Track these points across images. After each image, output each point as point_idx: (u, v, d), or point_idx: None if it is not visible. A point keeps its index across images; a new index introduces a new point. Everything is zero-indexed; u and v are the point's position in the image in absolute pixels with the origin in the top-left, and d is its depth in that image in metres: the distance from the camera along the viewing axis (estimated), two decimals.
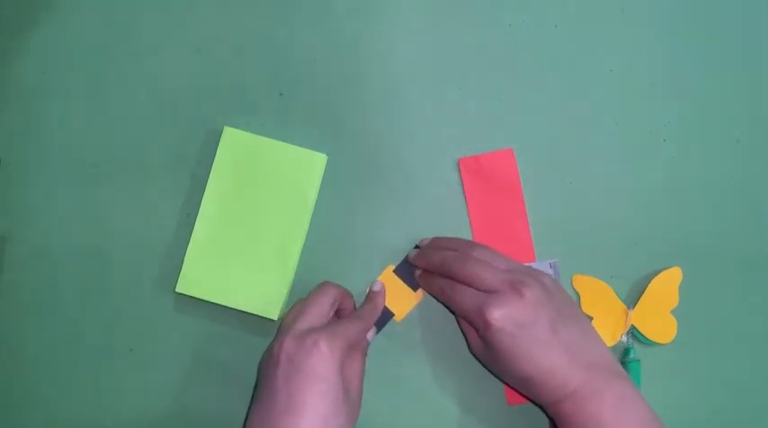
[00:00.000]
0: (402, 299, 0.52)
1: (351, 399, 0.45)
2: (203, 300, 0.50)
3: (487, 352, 0.46)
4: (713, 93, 0.53)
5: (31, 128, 0.53)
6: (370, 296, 0.51)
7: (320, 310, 0.47)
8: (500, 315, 0.44)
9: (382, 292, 0.51)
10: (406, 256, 0.51)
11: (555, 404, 0.44)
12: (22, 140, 0.53)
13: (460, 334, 0.50)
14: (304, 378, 0.43)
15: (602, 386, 0.43)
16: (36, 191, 0.53)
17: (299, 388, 0.43)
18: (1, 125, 0.53)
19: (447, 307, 0.51)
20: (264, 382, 0.45)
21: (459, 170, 0.52)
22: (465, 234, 0.52)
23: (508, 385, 0.49)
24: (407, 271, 0.51)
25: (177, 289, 0.50)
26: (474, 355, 0.49)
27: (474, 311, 0.45)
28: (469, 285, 0.46)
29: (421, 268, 0.50)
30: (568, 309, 0.46)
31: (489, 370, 0.49)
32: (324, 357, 0.43)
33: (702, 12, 0.53)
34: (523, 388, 0.46)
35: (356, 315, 0.49)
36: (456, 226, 0.52)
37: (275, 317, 0.50)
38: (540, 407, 0.47)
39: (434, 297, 0.50)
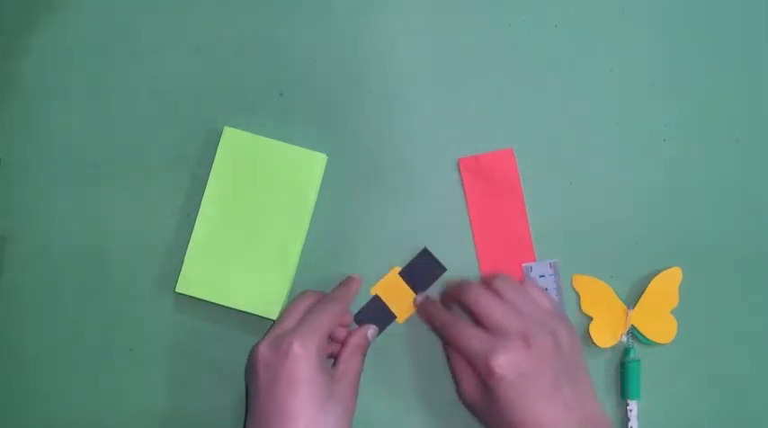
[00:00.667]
0: (405, 302, 0.51)
1: (340, 396, 0.45)
2: (203, 300, 0.50)
3: (485, 398, 0.45)
4: (713, 93, 0.53)
5: (31, 128, 0.53)
6: (345, 281, 0.51)
7: (296, 316, 0.47)
8: (504, 362, 0.43)
9: (357, 279, 0.51)
10: (412, 260, 0.51)
11: None
12: (22, 140, 0.53)
13: None
14: (285, 384, 0.43)
15: None
16: (36, 191, 0.53)
17: (282, 396, 0.43)
18: (1, 125, 0.53)
19: (444, 347, 0.50)
20: (250, 391, 0.45)
21: (460, 170, 0.52)
22: (465, 233, 0.52)
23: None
24: (413, 275, 0.51)
25: (177, 290, 0.50)
26: (464, 401, 0.47)
27: (479, 354, 0.44)
28: (477, 317, 0.45)
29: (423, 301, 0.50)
30: (575, 367, 0.45)
31: (479, 418, 0.47)
32: (299, 359, 0.43)
33: (702, 12, 0.53)
34: None
35: (327, 298, 0.48)
36: (456, 226, 0.52)
37: (275, 317, 0.50)
38: None
39: (433, 330, 0.50)
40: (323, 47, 0.53)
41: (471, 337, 0.45)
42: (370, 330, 0.50)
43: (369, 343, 0.49)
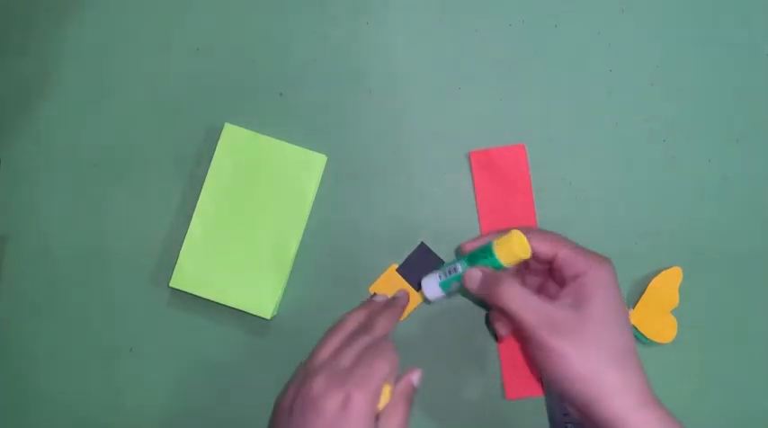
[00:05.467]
0: None
1: None
2: (202, 299, 0.50)
3: (575, 316, 0.42)
4: (713, 92, 0.53)
5: (31, 128, 0.53)
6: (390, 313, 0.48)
7: (352, 355, 0.43)
8: (608, 268, 0.43)
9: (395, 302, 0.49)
10: (409, 255, 0.51)
11: (635, 408, 0.40)
12: (22, 140, 0.53)
13: (460, 332, 0.50)
14: None
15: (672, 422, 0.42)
16: (36, 191, 0.53)
17: None
18: (1, 125, 0.53)
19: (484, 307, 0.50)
20: (289, 422, 0.41)
21: (470, 163, 0.52)
22: (468, 231, 0.52)
23: (565, 389, 0.43)
24: (410, 271, 0.51)
25: (171, 284, 0.50)
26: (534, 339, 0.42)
27: (580, 258, 0.43)
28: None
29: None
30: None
31: (544, 368, 0.43)
32: (360, 416, 0.40)
33: (702, 12, 0.53)
34: (603, 374, 0.41)
35: (385, 344, 0.44)
36: (458, 224, 0.52)
37: (268, 316, 0.50)
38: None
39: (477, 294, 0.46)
40: (323, 47, 0.53)
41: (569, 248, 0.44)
42: (415, 375, 0.44)
43: (415, 390, 0.44)
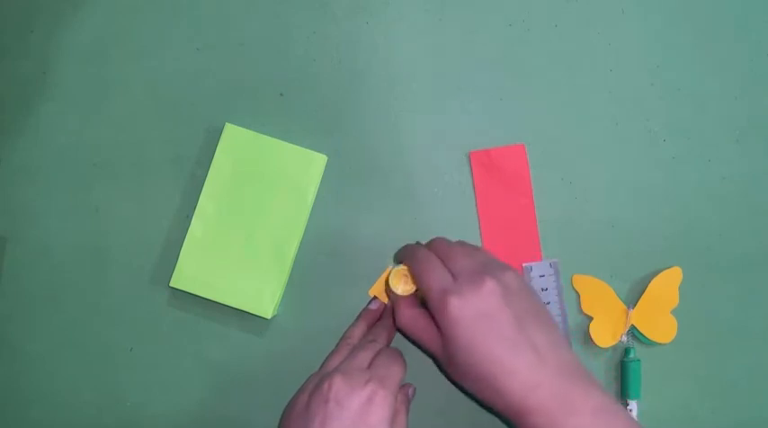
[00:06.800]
0: None
1: None
2: (201, 298, 0.50)
3: (446, 351, 0.42)
4: (713, 93, 0.53)
5: (30, 128, 0.53)
6: (385, 323, 0.50)
7: (368, 355, 0.45)
8: (459, 302, 0.41)
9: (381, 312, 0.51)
10: None
11: (521, 414, 0.40)
12: (22, 140, 0.53)
13: None
14: None
15: (579, 397, 0.40)
16: (36, 191, 0.53)
17: None
18: (1, 125, 0.53)
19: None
20: (304, 418, 0.42)
21: (470, 163, 0.52)
22: (468, 232, 0.52)
23: (470, 395, 0.45)
24: None
25: (171, 284, 0.50)
26: (440, 365, 0.46)
27: (436, 289, 0.42)
28: (439, 256, 0.45)
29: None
30: (537, 311, 0.43)
31: (453, 382, 0.46)
32: (381, 408, 0.41)
33: (702, 12, 0.53)
34: (486, 393, 0.41)
35: (394, 350, 0.47)
36: (458, 225, 0.52)
37: (268, 316, 0.50)
38: (505, 422, 0.45)
39: (403, 260, 0.48)
40: (323, 47, 0.53)
41: (435, 272, 0.43)
42: (411, 388, 0.48)
43: (410, 402, 0.48)
